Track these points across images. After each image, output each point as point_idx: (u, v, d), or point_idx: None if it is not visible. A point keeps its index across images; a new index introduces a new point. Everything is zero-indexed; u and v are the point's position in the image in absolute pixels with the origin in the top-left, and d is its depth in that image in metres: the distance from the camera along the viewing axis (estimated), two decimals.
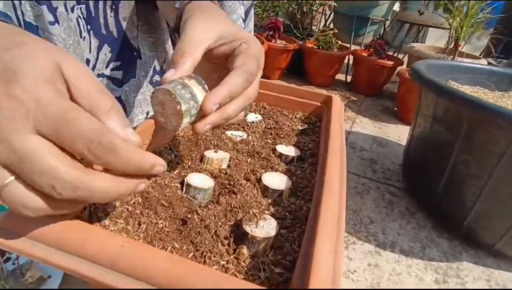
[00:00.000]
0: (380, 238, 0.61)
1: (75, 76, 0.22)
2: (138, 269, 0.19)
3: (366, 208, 0.69)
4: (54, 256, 0.20)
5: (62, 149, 0.20)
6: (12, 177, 0.19)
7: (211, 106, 0.27)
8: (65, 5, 0.43)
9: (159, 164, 0.23)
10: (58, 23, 0.43)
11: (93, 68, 0.52)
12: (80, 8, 0.46)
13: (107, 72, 0.54)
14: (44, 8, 0.41)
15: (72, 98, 0.22)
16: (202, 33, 0.31)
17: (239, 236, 0.29)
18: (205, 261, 0.27)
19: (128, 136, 0.22)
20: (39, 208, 0.20)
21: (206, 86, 0.28)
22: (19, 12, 0.40)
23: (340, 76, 1.63)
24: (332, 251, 0.23)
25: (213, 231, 0.29)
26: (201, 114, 0.28)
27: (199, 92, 0.27)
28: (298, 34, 1.71)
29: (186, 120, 0.27)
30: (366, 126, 1.14)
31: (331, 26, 1.75)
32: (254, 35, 1.42)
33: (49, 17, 0.41)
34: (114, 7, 0.51)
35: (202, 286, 0.18)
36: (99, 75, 0.53)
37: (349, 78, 1.59)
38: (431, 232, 0.64)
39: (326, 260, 0.22)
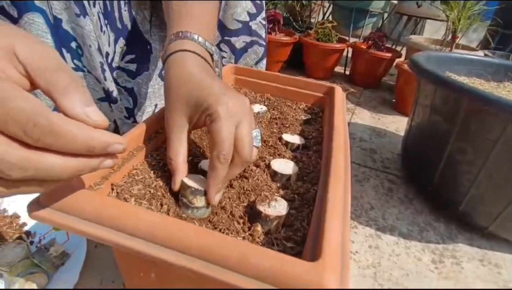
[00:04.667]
0: (380, 222, 0.64)
1: (30, 57, 0.20)
2: (174, 239, 0.21)
3: (367, 195, 0.72)
4: (95, 229, 0.23)
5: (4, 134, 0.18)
6: None
7: (216, 198, 0.32)
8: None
9: (115, 142, 0.21)
10: (87, 15, 0.45)
11: (112, 61, 0.54)
12: (99, 3, 0.48)
13: (122, 64, 0.56)
14: (71, 1, 0.43)
15: (31, 80, 0.21)
16: (176, 134, 0.34)
17: (252, 215, 0.32)
18: None
19: (87, 114, 0.20)
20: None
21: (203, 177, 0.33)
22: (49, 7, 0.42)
23: (339, 69, 1.65)
24: (340, 228, 0.26)
25: (229, 211, 0.32)
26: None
27: (200, 189, 0.32)
28: (297, 27, 1.72)
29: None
30: (365, 117, 1.16)
31: (330, 18, 1.76)
32: None
33: (77, 9, 0.44)
34: (127, 0, 0.53)
35: (229, 251, 0.21)
36: (116, 68, 0.55)
37: (348, 71, 1.61)
38: (428, 216, 0.67)
39: (336, 234, 0.25)
